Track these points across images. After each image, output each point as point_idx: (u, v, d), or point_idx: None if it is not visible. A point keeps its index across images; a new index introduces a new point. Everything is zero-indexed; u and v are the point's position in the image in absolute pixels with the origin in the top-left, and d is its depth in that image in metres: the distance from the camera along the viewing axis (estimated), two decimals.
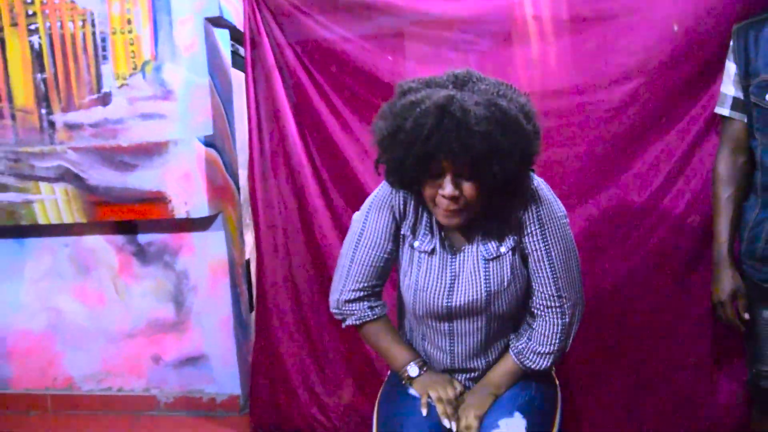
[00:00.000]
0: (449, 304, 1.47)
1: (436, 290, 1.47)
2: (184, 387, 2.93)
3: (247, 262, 2.97)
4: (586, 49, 2.05)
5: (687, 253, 2.03)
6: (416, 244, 1.50)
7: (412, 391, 1.55)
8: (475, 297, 1.45)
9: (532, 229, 1.43)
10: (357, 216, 1.57)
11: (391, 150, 1.32)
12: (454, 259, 1.48)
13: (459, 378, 1.57)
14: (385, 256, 1.55)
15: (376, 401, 1.64)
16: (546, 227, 1.44)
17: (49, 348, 2.95)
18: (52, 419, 2.95)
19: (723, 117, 1.82)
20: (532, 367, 1.50)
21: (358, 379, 2.43)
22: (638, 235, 2.06)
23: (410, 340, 1.66)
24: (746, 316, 1.75)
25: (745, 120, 1.76)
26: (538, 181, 1.47)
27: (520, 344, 1.51)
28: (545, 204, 1.44)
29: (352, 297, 1.59)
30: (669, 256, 2.05)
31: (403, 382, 1.57)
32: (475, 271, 1.45)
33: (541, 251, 1.45)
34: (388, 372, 1.72)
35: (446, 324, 1.51)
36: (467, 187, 1.32)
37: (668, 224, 2.04)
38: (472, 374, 1.57)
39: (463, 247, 1.48)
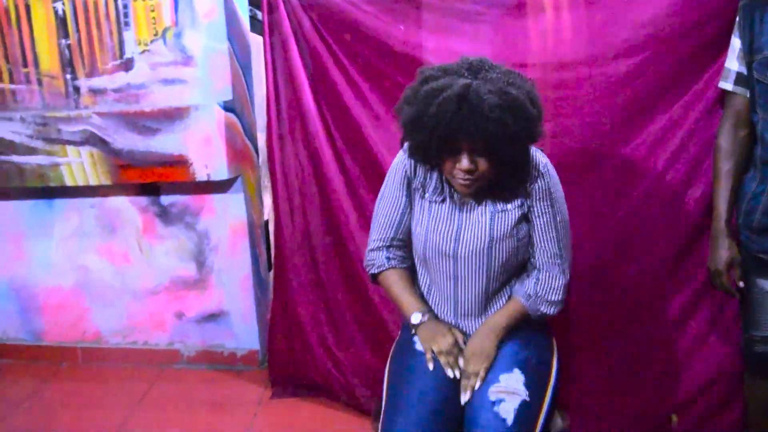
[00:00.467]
0: (456, 245, 1.63)
1: (445, 232, 1.64)
2: (205, 342, 3.05)
3: (266, 223, 3.06)
4: (596, 21, 2.06)
5: (688, 223, 2.08)
6: (427, 195, 1.68)
7: (419, 347, 1.66)
8: (479, 239, 1.61)
9: (543, 196, 1.63)
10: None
11: (416, 132, 1.52)
12: (462, 209, 1.65)
13: (463, 329, 1.68)
14: (401, 210, 1.74)
15: (388, 358, 1.74)
16: (554, 198, 1.65)
17: (78, 303, 3.09)
18: (82, 370, 3.10)
19: (726, 91, 1.85)
20: (542, 310, 1.66)
21: (370, 338, 2.51)
22: (640, 204, 2.10)
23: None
24: (741, 284, 1.81)
25: (748, 95, 1.78)
26: (546, 159, 1.66)
27: (528, 289, 1.66)
28: (554, 179, 1.66)
29: (374, 247, 1.79)
30: (671, 225, 2.09)
31: (412, 332, 1.69)
32: (481, 219, 1.63)
33: (549, 216, 1.64)
34: (400, 330, 1.82)
35: (451, 266, 1.64)
36: (481, 162, 1.51)
37: (670, 195, 2.08)
38: (475, 327, 1.67)
39: (472, 202, 1.65)
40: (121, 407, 2.73)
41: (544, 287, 1.66)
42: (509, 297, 1.69)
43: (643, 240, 2.12)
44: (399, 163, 1.73)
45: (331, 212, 2.49)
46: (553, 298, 1.66)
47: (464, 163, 1.51)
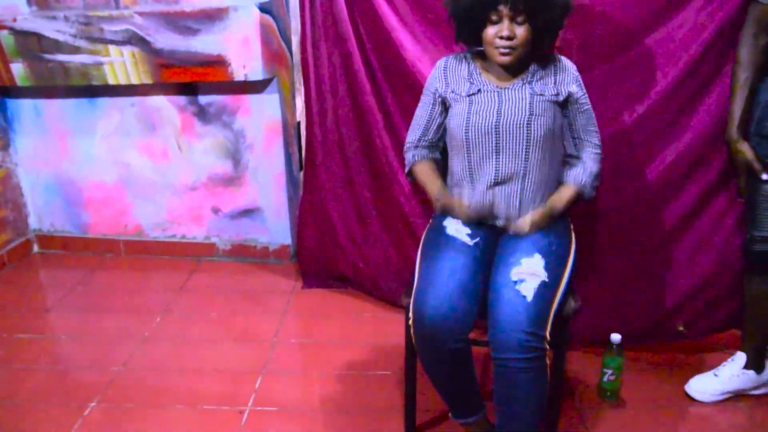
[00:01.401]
0: (498, 118, 1.78)
1: (486, 111, 1.79)
2: (240, 236, 3.21)
3: (298, 123, 3.14)
4: None
5: (697, 130, 2.16)
6: (464, 93, 1.84)
7: (450, 231, 1.80)
8: (520, 112, 1.77)
9: (581, 94, 1.84)
10: None
11: (460, 2, 1.73)
12: (501, 91, 1.81)
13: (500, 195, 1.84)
14: (427, 115, 1.93)
15: (421, 241, 1.88)
16: (587, 97, 1.86)
17: (120, 198, 3.25)
18: (125, 261, 3.31)
19: (751, 1, 1.90)
20: (590, 194, 1.87)
21: (395, 234, 2.64)
22: (655, 109, 2.18)
23: (452, 190, 1.91)
24: (765, 176, 1.91)
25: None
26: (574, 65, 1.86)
27: (578, 177, 1.85)
28: (578, 73, 1.85)
29: (405, 149, 1.99)
30: (681, 131, 2.19)
31: (442, 217, 1.86)
32: (520, 97, 1.79)
33: (588, 110, 1.86)
34: (431, 219, 1.97)
35: (493, 140, 1.79)
36: (520, 30, 1.70)
37: (683, 102, 2.15)
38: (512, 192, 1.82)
39: (508, 86, 1.81)
40: (163, 294, 2.93)
41: (591, 174, 1.86)
42: (544, 179, 1.83)
43: (656, 144, 2.21)
44: (431, 77, 1.92)
45: (360, 113, 2.57)
46: (596, 184, 1.88)
47: (505, 29, 1.68)
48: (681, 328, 2.34)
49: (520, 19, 1.69)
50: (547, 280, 1.65)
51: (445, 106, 1.89)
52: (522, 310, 1.58)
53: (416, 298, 1.67)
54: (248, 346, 2.52)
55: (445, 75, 1.88)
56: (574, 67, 1.86)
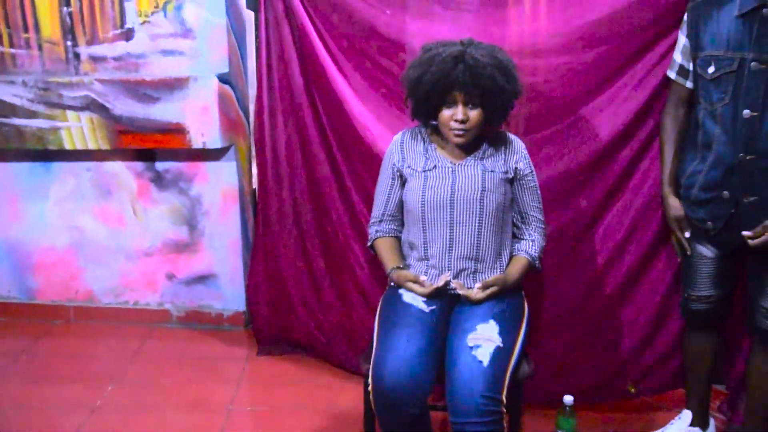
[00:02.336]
0: (452, 194, 1.87)
1: (441, 186, 1.88)
2: (194, 302, 3.17)
3: (254, 191, 3.12)
4: (569, 14, 2.22)
5: (638, 196, 2.29)
6: (420, 168, 1.93)
7: (406, 299, 1.85)
8: (473, 189, 1.86)
9: (527, 172, 1.94)
10: None
11: (419, 87, 1.83)
12: (454, 167, 1.90)
13: (456, 274, 1.89)
14: (387, 190, 2.02)
15: (377, 310, 1.92)
16: (534, 174, 1.97)
17: (71, 263, 3.19)
18: (74, 328, 3.21)
19: (670, 78, 2.09)
20: (538, 267, 1.97)
21: (350, 302, 2.64)
22: (599, 178, 2.31)
23: (409, 261, 1.98)
24: (687, 234, 2.05)
25: (688, 84, 2.03)
26: (523, 144, 1.99)
27: (528, 249, 1.95)
28: (526, 151, 1.98)
29: (372, 222, 2.07)
30: (623, 198, 2.31)
31: (391, 281, 1.94)
32: (473, 174, 1.89)
33: (534, 188, 1.97)
34: (387, 287, 2.01)
35: (448, 215, 1.87)
36: (473, 113, 1.82)
37: (622, 170, 2.29)
38: (466, 270, 1.89)
39: (462, 162, 1.91)
40: (114, 362, 2.85)
41: (539, 247, 1.97)
42: (497, 250, 1.91)
43: (597, 207, 2.33)
44: (388, 152, 2.02)
45: (315, 181, 2.61)
46: (542, 257, 1.98)
47: (459, 113, 1.80)
48: (632, 389, 2.41)
49: (473, 103, 1.81)
50: (501, 345, 1.70)
51: (402, 180, 1.98)
52: (479, 375, 1.62)
53: (375, 364, 1.69)
54: (203, 415, 2.46)
55: (401, 150, 1.98)
56: (524, 146, 1.98)
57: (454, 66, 1.76)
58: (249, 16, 2.97)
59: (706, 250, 2.02)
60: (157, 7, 2.80)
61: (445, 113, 1.83)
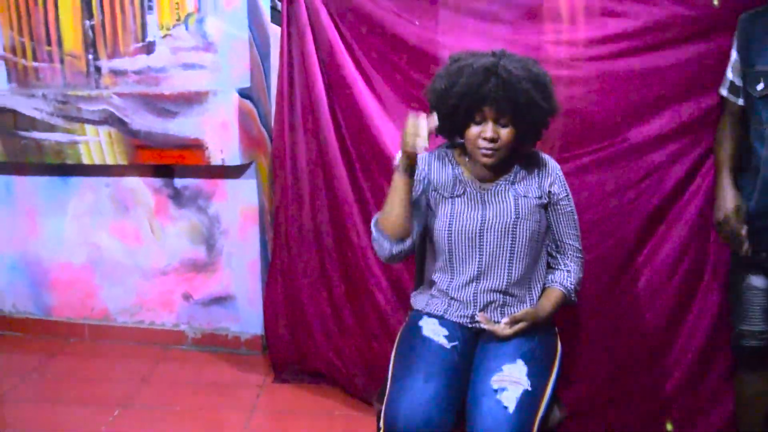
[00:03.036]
0: (483, 225, 1.72)
1: (470, 215, 1.74)
2: (211, 324, 3.09)
3: (275, 210, 3.09)
4: (609, 28, 2.10)
5: (690, 220, 2.14)
6: (447, 193, 1.78)
7: (426, 332, 1.71)
8: (505, 217, 1.72)
9: (563, 196, 1.78)
10: None
11: (446, 101, 1.67)
12: (484, 193, 1.76)
13: (483, 308, 1.74)
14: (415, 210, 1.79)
15: (395, 342, 1.78)
16: (571, 198, 1.81)
17: (88, 281, 3.13)
18: (89, 347, 3.15)
19: (723, 96, 1.95)
20: (574, 299, 1.80)
21: (371, 329, 2.53)
22: (642, 202, 2.16)
23: (431, 295, 1.82)
24: (744, 230, 1.85)
25: (739, 102, 1.88)
26: (558, 165, 1.82)
27: (563, 281, 1.78)
28: (566, 182, 1.81)
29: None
30: (671, 223, 2.16)
31: (419, 309, 1.82)
32: (505, 200, 1.74)
33: (570, 214, 1.80)
34: (406, 318, 1.87)
35: (477, 249, 1.73)
36: (504, 132, 1.66)
37: (671, 192, 2.15)
38: (493, 303, 1.74)
39: (491, 186, 1.76)
40: (125, 384, 2.77)
41: (575, 279, 1.80)
42: (529, 282, 1.77)
43: (644, 238, 2.18)
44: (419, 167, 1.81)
45: (336, 203, 2.52)
46: (579, 289, 1.81)
47: (489, 132, 1.64)
48: (669, 427, 2.22)
49: (504, 120, 1.65)
50: (530, 388, 1.55)
51: (425, 200, 1.81)
52: (503, 422, 1.47)
53: (388, 406, 1.55)
54: None
55: (429, 169, 1.82)
56: (558, 167, 1.82)
57: (486, 79, 1.61)
58: (274, 30, 2.92)
59: (759, 281, 1.86)
60: (179, 20, 2.74)
61: (473, 130, 1.67)
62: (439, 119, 1.71)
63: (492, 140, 1.65)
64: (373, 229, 1.76)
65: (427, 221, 1.81)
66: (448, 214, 1.75)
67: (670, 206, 2.15)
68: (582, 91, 2.12)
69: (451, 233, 1.73)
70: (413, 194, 1.75)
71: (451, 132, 1.77)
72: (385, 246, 1.72)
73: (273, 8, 2.94)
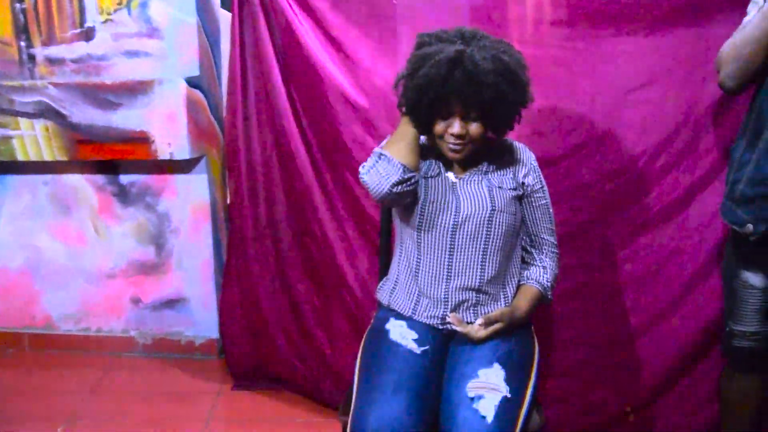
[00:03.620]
0: (456, 215, 1.60)
1: (443, 202, 1.61)
2: (162, 329, 2.96)
3: (229, 207, 2.95)
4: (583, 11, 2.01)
5: (677, 214, 2.06)
6: (422, 171, 1.65)
7: (393, 336, 1.59)
8: (481, 208, 1.59)
9: (538, 188, 1.68)
10: None
11: (408, 93, 1.55)
12: (458, 182, 1.64)
13: (454, 308, 1.62)
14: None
15: (360, 347, 1.66)
16: (546, 191, 1.70)
17: (27, 287, 2.96)
18: (30, 357, 2.98)
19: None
20: (550, 297, 1.70)
21: (337, 331, 2.43)
22: (622, 192, 2.09)
23: (397, 286, 1.70)
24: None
25: None
26: (533, 154, 1.72)
27: (539, 277, 1.68)
28: (540, 172, 1.71)
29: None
30: (654, 216, 2.08)
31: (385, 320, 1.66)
32: (480, 191, 1.62)
33: (545, 207, 1.69)
34: (372, 320, 1.75)
35: (448, 239, 1.60)
36: (473, 127, 1.55)
37: (654, 181, 2.07)
38: (466, 303, 1.62)
39: (465, 176, 1.65)
40: (71, 396, 2.61)
41: (551, 276, 1.70)
42: (503, 280, 1.66)
43: (624, 230, 2.10)
44: None
45: (295, 196, 2.41)
46: (555, 286, 1.71)
47: (456, 127, 1.53)
48: (629, 413, 2.15)
49: (472, 114, 1.54)
50: (509, 395, 1.43)
51: None
52: None
53: (355, 419, 1.42)
54: None
55: None
56: (533, 156, 1.71)
57: (449, 72, 1.47)
58: (224, 16, 2.77)
59: (755, 278, 1.74)
60: (120, 4, 2.56)
61: (440, 125, 1.56)
62: (406, 108, 1.59)
63: (459, 136, 1.54)
64: (372, 158, 1.59)
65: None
66: (421, 197, 1.62)
67: (654, 200, 2.07)
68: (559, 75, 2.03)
69: (422, 220, 1.61)
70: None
71: (417, 128, 1.62)
72: (392, 171, 1.54)
73: None
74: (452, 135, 1.54)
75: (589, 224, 2.09)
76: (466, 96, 1.48)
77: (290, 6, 2.24)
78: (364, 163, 1.61)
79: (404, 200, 1.60)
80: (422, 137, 1.64)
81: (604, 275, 2.12)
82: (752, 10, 1.70)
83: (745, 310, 1.78)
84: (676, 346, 2.09)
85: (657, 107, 2.02)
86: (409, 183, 1.56)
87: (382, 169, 1.56)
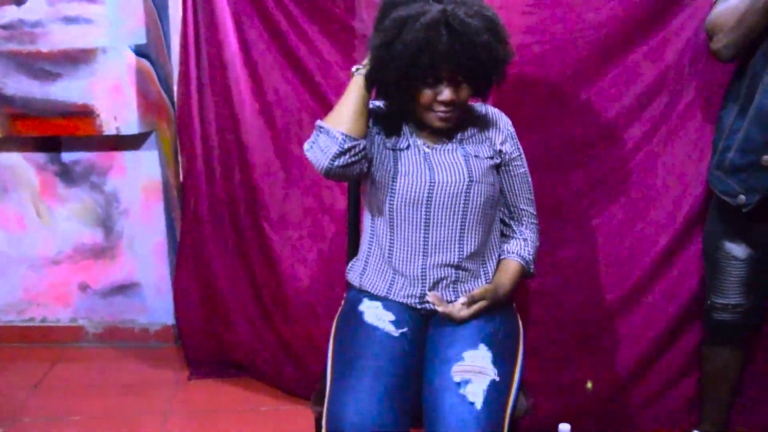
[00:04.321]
0: (431, 187, 1.49)
1: (416, 174, 1.51)
2: (114, 317, 2.84)
3: (182, 185, 2.81)
4: None
5: (648, 185, 2.02)
6: (389, 143, 1.55)
7: (368, 318, 1.49)
8: (457, 180, 1.50)
9: (516, 155, 1.59)
10: None
11: (389, 63, 1.41)
12: (431, 152, 1.54)
13: (433, 286, 1.53)
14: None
15: (332, 331, 1.55)
16: (523, 159, 1.62)
17: None
18: None
19: None
20: (533, 271, 1.62)
21: (300, 312, 2.33)
22: (599, 162, 2.04)
23: (368, 265, 1.60)
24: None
25: None
26: (508, 119, 1.64)
27: (520, 250, 1.60)
28: (513, 129, 1.62)
29: None
30: (630, 188, 2.03)
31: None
32: (455, 161, 1.52)
33: (524, 175, 1.61)
34: (342, 302, 1.64)
35: (423, 213, 1.50)
36: (462, 91, 1.45)
37: (631, 153, 2.02)
38: (445, 280, 1.52)
39: (438, 146, 1.55)
40: (13, 393, 2.46)
41: (533, 248, 1.62)
42: (482, 254, 1.56)
43: (601, 201, 2.04)
44: None
45: (252, 172, 2.30)
46: (536, 258, 1.63)
47: (446, 93, 1.43)
48: (589, 386, 2.10)
49: (459, 77, 1.44)
50: (497, 378, 1.34)
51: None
52: (471, 422, 1.26)
53: (331, 410, 1.30)
54: None
55: (374, 116, 1.57)
56: (509, 122, 1.62)
57: (437, 35, 1.35)
58: None
59: (738, 250, 1.71)
60: None
61: (427, 93, 1.44)
62: (382, 85, 1.48)
63: (451, 103, 1.44)
64: (314, 132, 1.49)
65: (368, 183, 1.57)
66: (391, 171, 1.51)
67: (630, 169, 2.02)
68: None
69: (394, 194, 1.50)
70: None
71: (398, 98, 1.51)
72: (331, 143, 1.43)
73: None
74: (442, 103, 1.44)
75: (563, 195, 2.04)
76: (457, 58, 1.38)
77: None
78: (308, 139, 1.49)
79: (353, 172, 1.47)
80: (379, 103, 1.56)
81: (578, 249, 2.07)
82: None
83: (728, 282, 1.76)
84: (655, 322, 2.06)
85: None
86: (352, 153, 1.44)
87: (322, 142, 1.45)
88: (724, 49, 1.62)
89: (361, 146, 1.44)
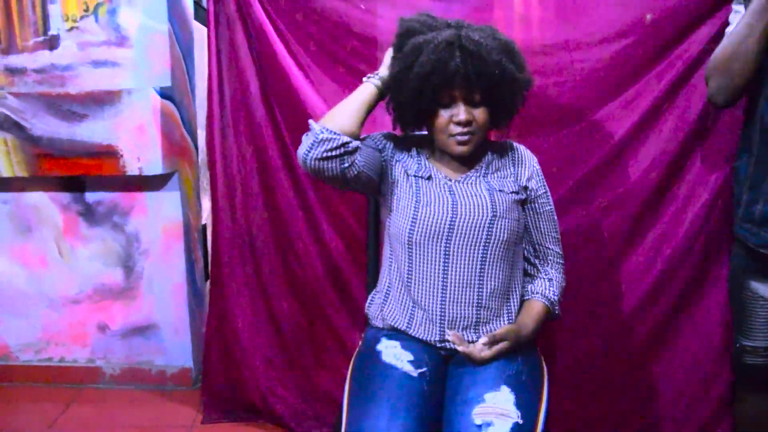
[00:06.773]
0: (453, 219, 1.48)
1: (439, 204, 1.50)
2: (131, 358, 2.80)
3: (203, 227, 2.84)
4: (575, 5, 1.96)
5: (671, 220, 1.99)
6: (412, 172, 1.56)
7: (386, 358, 1.46)
8: (480, 213, 1.49)
9: (541, 192, 1.59)
10: None
11: (406, 85, 1.46)
12: (454, 184, 1.54)
13: (452, 324, 1.50)
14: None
15: (348, 372, 1.52)
16: (549, 195, 1.62)
17: None
18: None
19: None
20: (558, 313, 1.59)
21: (321, 354, 2.31)
22: (619, 201, 2.02)
23: (389, 297, 1.59)
24: None
25: None
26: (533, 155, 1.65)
27: (545, 291, 1.57)
28: (538, 165, 1.63)
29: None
30: (651, 222, 2.01)
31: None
32: (478, 195, 1.52)
33: (549, 212, 1.60)
34: (360, 342, 1.61)
35: (443, 246, 1.48)
36: (478, 113, 1.47)
37: (651, 193, 2.00)
38: (464, 321, 1.49)
39: (461, 178, 1.55)
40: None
41: (558, 289, 1.60)
42: (505, 293, 1.53)
43: (623, 239, 2.02)
44: (375, 134, 1.64)
45: (276, 212, 2.30)
46: (561, 300, 1.61)
47: (461, 113, 1.45)
48: None
49: (476, 99, 1.46)
50: (520, 421, 1.30)
51: (384, 164, 1.58)
52: None
53: None
54: None
55: (393, 142, 1.62)
56: (535, 159, 1.62)
57: (451, 54, 1.40)
58: (198, 28, 2.69)
59: (765, 289, 1.65)
60: (86, 10, 2.43)
61: (443, 115, 1.47)
62: (400, 109, 1.53)
63: (467, 123, 1.46)
64: (310, 128, 1.50)
65: (386, 215, 1.58)
66: (413, 199, 1.52)
67: (653, 205, 2.00)
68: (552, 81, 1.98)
69: (415, 223, 1.49)
70: (375, 145, 1.57)
71: (415, 121, 1.54)
72: (310, 134, 1.47)
73: (197, 4, 2.68)
74: (458, 123, 1.46)
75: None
76: (470, 78, 1.41)
77: (269, 15, 2.16)
78: None
79: (331, 167, 1.46)
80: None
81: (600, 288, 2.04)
82: (734, 20, 1.67)
83: (756, 323, 1.69)
84: (686, 366, 2.01)
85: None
86: (329, 147, 1.44)
87: (304, 139, 1.48)
88: (717, 95, 1.61)
89: (341, 141, 1.45)
